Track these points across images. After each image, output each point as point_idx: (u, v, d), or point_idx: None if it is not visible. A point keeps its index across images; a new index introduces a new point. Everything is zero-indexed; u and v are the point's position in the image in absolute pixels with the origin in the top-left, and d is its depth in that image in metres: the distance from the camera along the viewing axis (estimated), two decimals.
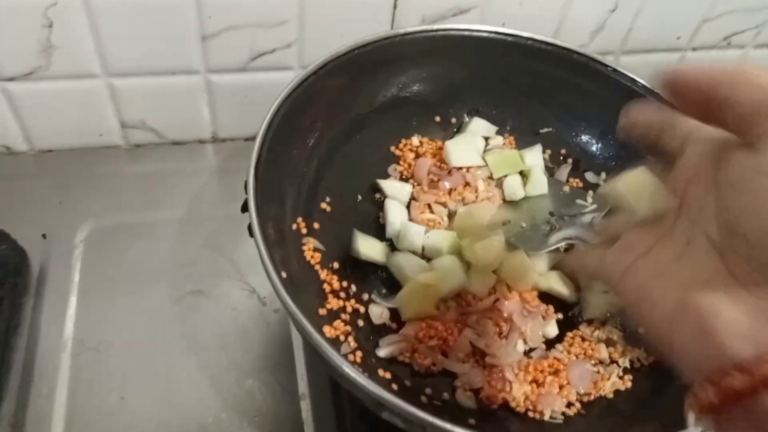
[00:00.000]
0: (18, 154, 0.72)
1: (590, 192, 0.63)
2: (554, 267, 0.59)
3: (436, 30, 0.62)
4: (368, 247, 0.56)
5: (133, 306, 0.60)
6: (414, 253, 0.58)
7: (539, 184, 0.63)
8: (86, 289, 0.61)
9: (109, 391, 0.55)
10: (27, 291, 0.59)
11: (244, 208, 0.47)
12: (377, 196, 0.62)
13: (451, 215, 0.61)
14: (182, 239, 0.66)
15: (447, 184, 0.62)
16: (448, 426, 0.36)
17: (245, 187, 0.47)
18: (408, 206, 0.61)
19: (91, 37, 0.62)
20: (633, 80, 0.62)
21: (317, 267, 0.54)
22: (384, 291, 0.56)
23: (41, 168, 0.71)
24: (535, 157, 0.64)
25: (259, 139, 0.49)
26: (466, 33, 0.63)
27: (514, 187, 0.62)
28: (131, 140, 0.74)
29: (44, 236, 0.64)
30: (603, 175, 0.65)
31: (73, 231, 0.65)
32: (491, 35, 0.63)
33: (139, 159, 0.74)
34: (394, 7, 0.67)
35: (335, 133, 0.59)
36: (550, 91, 0.65)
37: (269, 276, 0.43)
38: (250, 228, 0.46)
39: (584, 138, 0.66)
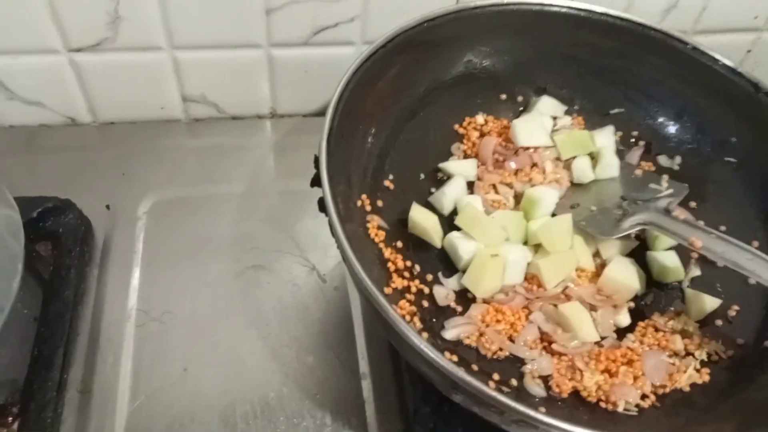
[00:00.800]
0: (82, 125, 0.73)
1: (664, 176, 0.60)
2: None
3: (506, 4, 0.59)
4: (421, 218, 0.55)
5: (195, 278, 0.60)
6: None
7: (610, 166, 0.60)
8: (149, 260, 0.61)
9: (172, 361, 0.55)
10: (92, 260, 0.60)
11: (314, 182, 0.46)
12: (440, 175, 0.61)
13: (518, 196, 0.59)
14: (242, 213, 0.66)
15: (513, 165, 0.61)
16: (530, 412, 0.35)
17: (315, 162, 0.46)
18: (472, 186, 0.60)
19: (158, 8, 0.62)
20: (714, 59, 0.59)
21: (381, 245, 0.53)
22: (448, 272, 0.55)
23: (105, 140, 0.72)
24: (606, 138, 0.62)
25: (330, 112, 0.48)
26: (537, 7, 0.60)
27: (583, 169, 0.60)
28: (191, 114, 0.74)
29: (108, 207, 0.65)
30: (677, 158, 0.62)
31: (136, 203, 0.65)
32: (563, 9, 0.61)
33: (199, 133, 0.74)
34: None
35: (400, 109, 0.58)
36: (621, 70, 0.63)
37: (344, 252, 0.42)
38: (321, 203, 0.45)
39: (658, 120, 0.63)
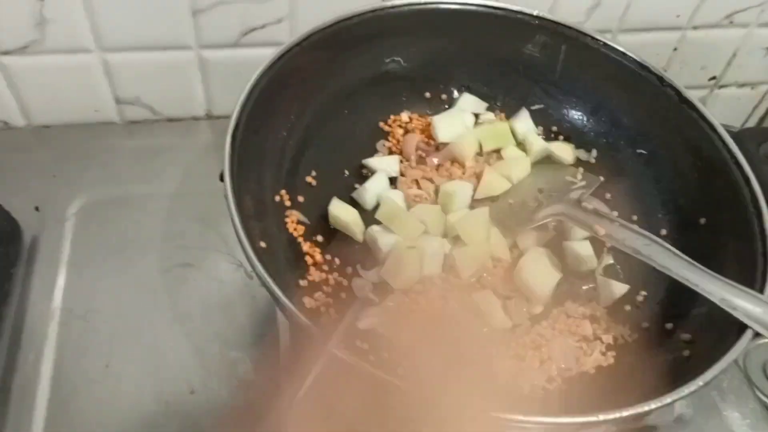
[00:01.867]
0: (15, 128, 0.73)
1: (579, 169, 0.62)
2: None
3: (425, 3, 0.61)
4: (341, 212, 0.56)
5: (122, 277, 0.61)
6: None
7: (539, 147, 0.63)
8: (77, 261, 0.62)
9: (95, 358, 0.55)
10: (18, 261, 0.60)
11: (222, 177, 0.47)
12: (365, 171, 0.62)
13: (438, 191, 0.61)
14: (173, 213, 0.66)
15: (435, 160, 0.62)
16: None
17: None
18: (395, 181, 0.61)
19: (83, 10, 0.63)
20: (624, 54, 0.61)
21: (300, 239, 0.55)
22: (368, 265, 0.56)
23: (37, 142, 0.72)
24: (525, 123, 0.64)
25: (237, 109, 0.49)
26: (456, 6, 0.62)
27: (516, 158, 0.62)
28: (127, 116, 0.75)
29: (37, 209, 0.65)
30: (594, 152, 0.64)
31: (66, 203, 0.65)
32: (481, 9, 0.62)
33: (135, 135, 0.74)
34: None
35: (321, 106, 0.59)
36: (540, 67, 0.64)
37: (242, 244, 0.43)
38: (226, 197, 0.46)
39: (575, 114, 0.65)
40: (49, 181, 0.68)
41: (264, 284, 0.42)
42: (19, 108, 0.71)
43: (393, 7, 0.60)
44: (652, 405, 0.39)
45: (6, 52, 0.65)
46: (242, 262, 0.63)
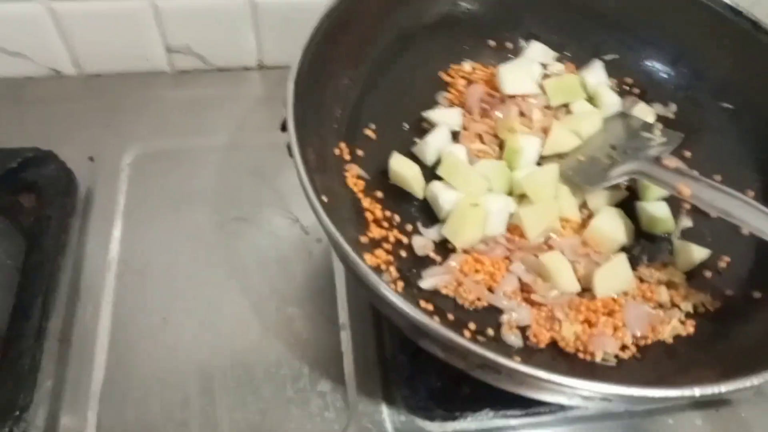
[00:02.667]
0: (67, 77, 0.72)
1: (658, 124, 0.58)
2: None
3: None
4: (402, 167, 0.54)
5: (176, 230, 0.60)
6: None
7: (611, 104, 0.59)
8: (131, 212, 0.61)
9: (152, 311, 0.55)
10: (74, 212, 0.60)
11: (284, 127, 0.45)
12: (424, 124, 0.59)
13: (503, 146, 0.57)
14: (226, 166, 0.65)
15: (500, 114, 0.59)
16: (489, 354, 0.34)
17: (284, 105, 0.45)
18: (457, 136, 0.58)
19: None
20: None
21: (360, 195, 0.52)
22: (430, 223, 0.54)
23: (89, 91, 0.71)
24: (597, 75, 0.60)
25: (300, 56, 0.46)
26: None
27: (585, 113, 0.58)
28: (177, 66, 0.73)
29: (91, 159, 0.64)
30: (673, 106, 0.60)
31: (119, 154, 0.65)
32: None
33: (185, 85, 0.73)
34: None
35: (381, 52, 0.56)
36: (614, 13, 0.60)
37: (308, 197, 0.41)
38: (289, 148, 0.44)
39: (652, 65, 0.61)
40: (102, 131, 0.67)
41: (333, 241, 0.40)
42: (70, 56, 0.70)
43: None
44: (755, 380, 0.36)
45: None
46: (298, 217, 0.62)
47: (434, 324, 0.36)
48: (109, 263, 0.57)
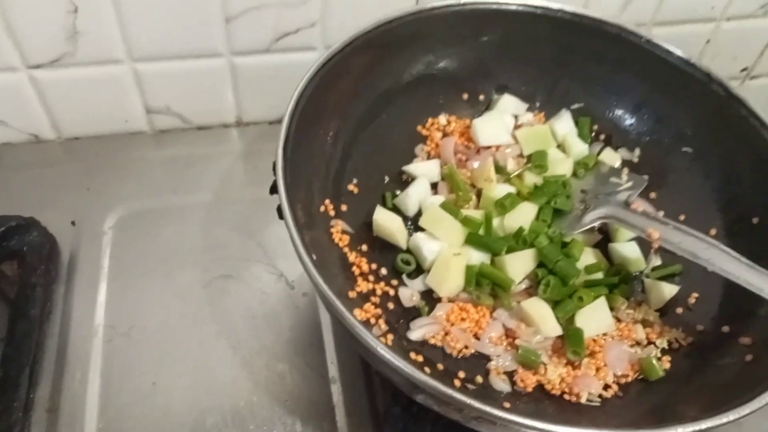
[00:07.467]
0: (46, 141, 0.72)
1: (624, 169, 0.61)
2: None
3: (463, 4, 0.60)
4: (386, 220, 0.55)
5: (163, 290, 0.60)
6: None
7: (581, 151, 0.62)
8: (116, 275, 0.61)
9: (141, 375, 0.55)
10: (58, 277, 0.60)
11: (273, 189, 0.46)
12: (404, 176, 0.61)
13: (480, 195, 0.60)
14: (210, 223, 0.66)
15: (475, 164, 0.61)
16: (486, 408, 0.36)
17: (273, 169, 0.46)
18: (437, 186, 0.61)
19: (115, 21, 0.62)
20: (668, 51, 0.60)
21: (346, 249, 0.54)
22: (413, 274, 0.56)
23: (69, 155, 0.71)
24: (565, 124, 0.63)
25: (286, 120, 0.48)
26: (494, 6, 0.61)
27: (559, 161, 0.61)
28: (157, 126, 0.74)
29: (73, 223, 0.64)
30: (637, 151, 0.63)
31: (102, 217, 0.65)
32: (519, 8, 0.61)
33: (165, 144, 0.73)
34: None
35: (361, 112, 0.58)
36: (580, 65, 0.63)
37: (301, 258, 0.42)
38: (279, 210, 0.45)
39: (617, 113, 0.64)
40: (83, 194, 0.67)
41: (324, 299, 0.41)
42: (50, 121, 0.70)
43: (433, 8, 0.59)
44: (731, 416, 0.38)
45: (37, 66, 0.65)
46: (282, 271, 0.63)
47: (432, 381, 0.37)
48: (96, 328, 0.57)
